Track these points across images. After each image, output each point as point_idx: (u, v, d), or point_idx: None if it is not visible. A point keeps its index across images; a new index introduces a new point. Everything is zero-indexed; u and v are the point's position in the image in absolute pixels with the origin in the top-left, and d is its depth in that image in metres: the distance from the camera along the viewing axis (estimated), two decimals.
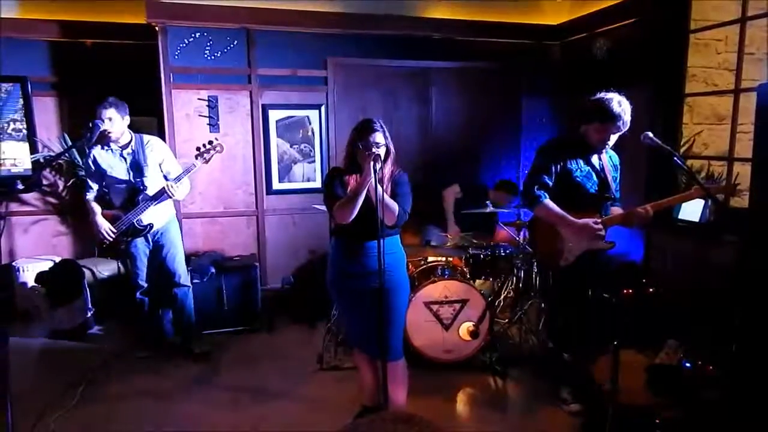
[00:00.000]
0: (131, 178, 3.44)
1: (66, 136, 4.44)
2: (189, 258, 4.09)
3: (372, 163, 2.22)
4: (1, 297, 3.77)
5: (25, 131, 4.21)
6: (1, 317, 2.24)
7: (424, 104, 4.85)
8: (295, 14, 4.30)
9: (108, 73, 4.44)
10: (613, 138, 2.71)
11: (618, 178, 2.90)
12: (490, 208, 4.02)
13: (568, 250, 2.79)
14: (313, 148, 4.62)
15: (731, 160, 3.60)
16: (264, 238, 4.58)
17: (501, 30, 4.78)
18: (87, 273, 4.24)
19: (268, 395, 3.19)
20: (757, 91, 2.87)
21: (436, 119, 4.88)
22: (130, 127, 3.46)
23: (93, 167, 3.43)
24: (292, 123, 4.55)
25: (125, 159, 3.44)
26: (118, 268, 4.50)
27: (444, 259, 3.78)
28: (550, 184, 2.75)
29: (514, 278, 3.99)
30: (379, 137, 2.39)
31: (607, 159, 2.85)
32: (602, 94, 2.68)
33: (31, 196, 4.58)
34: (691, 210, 3.54)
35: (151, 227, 3.49)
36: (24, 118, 4.22)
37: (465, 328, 3.47)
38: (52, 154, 4.39)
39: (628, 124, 2.65)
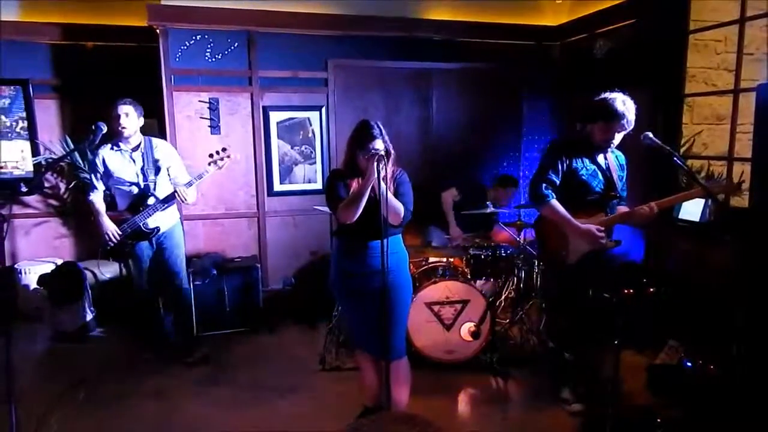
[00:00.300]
0: (139, 181, 3.43)
1: (68, 138, 4.45)
2: (190, 259, 4.10)
3: (375, 162, 2.24)
4: (4, 299, 3.77)
5: None
6: (3, 319, 2.25)
7: (425, 105, 4.86)
8: (296, 16, 4.31)
9: (109, 76, 4.46)
10: (618, 137, 2.73)
11: (624, 178, 2.91)
12: (490, 209, 4.04)
13: (573, 249, 2.81)
14: (314, 150, 4.63)
15: (731, 160, 3.61)
16: (265, 240, 4.59)
17: (501, 31, 4.79)
18: (88, 275, 4.25)
19: (269, 396, 3.20)
20: (757, 91, 2.89)
21: (436, 120, 4.89)
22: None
23: (101, 167, 3.41)
24: (292, 124, 4.56)
25: (134, 161, 3.43)
26: (120, 270, 4.50)
27: (445, 259, 3.79)
28: (557, 182, 2.78)
29: (515, 279, 4.00)
30: (378, 144, 2.39)
31: (614, 158, 2.87)
32: (607, 94, 2.71)
33: (32, 199, 4.60)
34: (692, 210, 3.55)
35: (158, 230, 3.48)
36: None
37: (466, 328, 3.48)
38: (54, 156, 4.41)
39: (633, 124, 2.67)
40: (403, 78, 4.76)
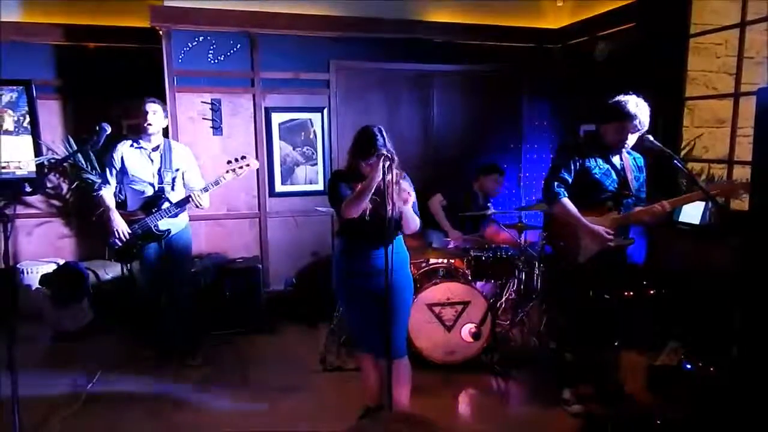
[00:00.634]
0: (155, 181, 3.41)
1: (70, 139, 4.46)
2: (192, 260, 4.11)
3: (382, 162, 2.24)
4: (6, 299, 3.79)
5: None
6: (6, 319, 2.26)
7: (426, 107, 4.88)
8: (298, 18, 4.33)
9: (112, 77, 4.48)
10: (632, 138, 2.76)
11: (642, 179, 2.92)
12: (491, 210, 4.05)
13: (584, 249, 2.84)
14: (316, 151, 4.64)
15: (731, 163, 3.62)
16: (266, 240, 4.60)
17: (502, 33, 4.80)
18: (91, 275, 4.26)
19: (270, 396, 3.20)
20: (757, 95, 2.90)
21: (437, 122, 4.91)
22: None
23: (117, 163, 3.38)
24: (294, 126, 4.58)
25: (152, 160, 3.42)
26: (122, 270, 4.52)
27: (446, 261, 3.81)
28: (570, 180, 2.82)
29: (516, 280, 4.01)
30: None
31: (630, 159, 2.90)
32: (620, 96, 2.75)
33: (35, 199, 4.62)
34: (692, 212, 3.56)
35: (168, 233, 3.46)
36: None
37: (467, 329, 3.49)
38: (57, 156, 4.42)
39: (647, 125, 2.71)
40: (405, 80, 4.78)
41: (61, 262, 4.32)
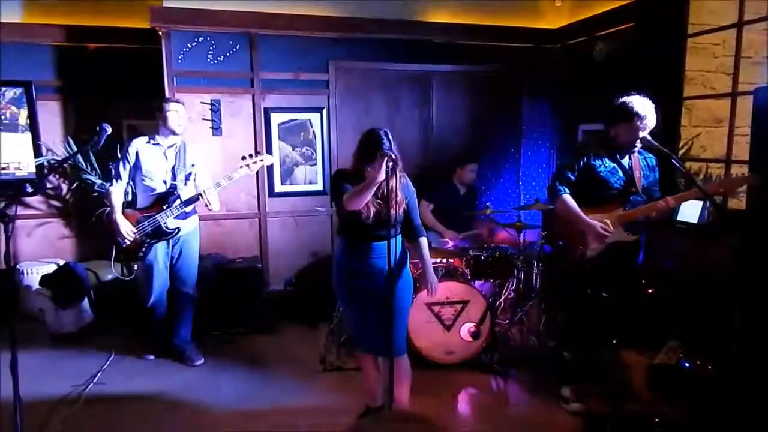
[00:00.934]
0: (168, 179, 3.42)
1: (70, 140, 4.47)
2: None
3: (385, 162, 2.24)
4: (7, 300, 3.79)
5: None
6: (6, 320, 2.27)
7: (426, 107, 4.89)
8: (298, 18, 4.34)
9: (112, 77, 4.49)
10: (645, 136, 2.78)
11: (652, 177, 2.95)
12: (490, 210, 4.06)
13: (590, 245, 2.87)
14: (315, 151, 4.65)
15: (729, 163, 3.63)
16: (266, 241, 4.61)
17: (501, 33, 4.82)
18: (91, 276, 4.27)
19: (271, 396, 3.22)
20: (754, 95, 2.92)
21: (437, 122, 4.92)
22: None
23: (132, 158, 3.39)
24: (294, 126, 4.58)
25: (167, 157, 3.44)
26: (122, 271, 4.52)
27: (445, 260, 3.82)
28: (573, 179, 2.90)
29: (515, 279, 4.03)
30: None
31: (641, 159, 2.93)
32: (625, 97, 2.81)
33: (35, 200, 4.62)
34: (690, 211, 3.57)
35: (178, 231, 3.46)
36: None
37: (466, 328, 3.51)
38: (57, 157, 4.43)
39: (654, 123, 2.75)
40: (404, 80, 4.79)
41: (62, 262, 4.33)
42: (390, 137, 2.45)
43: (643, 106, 2.74)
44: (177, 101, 3.47)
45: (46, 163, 4.41)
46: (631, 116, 2.73)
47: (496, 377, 3.45)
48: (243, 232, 4.57)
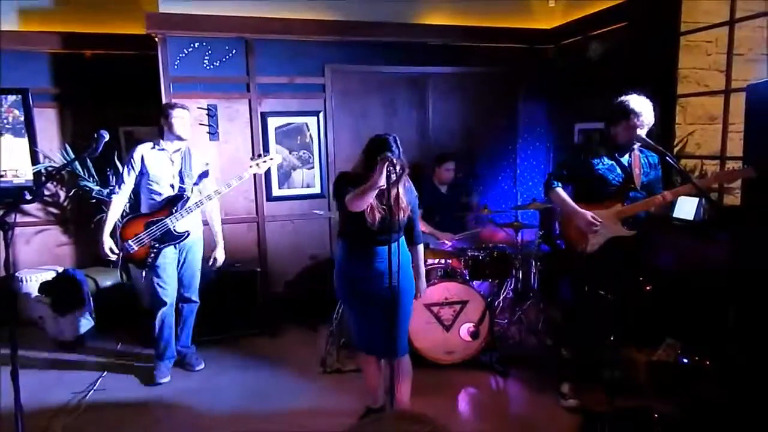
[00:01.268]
0: (175, 182, 3.42)
1: (67, 147, 4.48)
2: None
3: (385, 166, 2.22)
4: (6, 307, 3.79)
5: None
6: (6, 327, 2.27)
7: (422, 109, 4.91)
8: (293, 23, 4.35)
9: (109, 84, 4.50)
10: (641, 134, 2.81)
11: (653, 175, 2.97)
12: (488, 210, 4.08)
13: (591, 241, 2.91)
14: (312, 155, 4.67)
15: (723, 159, 3.66)
16: (265, 244, 4.62)
17: (496, 35, 4.84)
18: (90, 282, 4.27)
19: (271, 399, 3.23)
20: (746, 91, 2.95)
21: (433, 124, 4.94)
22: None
23: (137, 164, 3.38)
24: (290, 130, 4.60)
25: (173, 161, 3.44)
26: (121, 276, 4.53)
27: (443, 261, 3.83)
28: (567, 175, 3.02)
29: (513, 279, 4.04)
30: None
31: (641, 157, 2.97)
32: (622, 96, 2.86)
33: (33, 207, 4.63)
34: (686, 208, 3.60)
35: (188, 235, 3.45)
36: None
37: (465, 328, 3.52)
38: (54, 164, 4.43)
39: (652, 121, 2.80)
40: (400, 82, 4.81)
41: (60, 269, 4.33)
42: (398, 143, 2.47)
43: (639, 104, 2.78)
44: (182, 107, 3.45)
45: (43, 170, 4.42)
46: (628, 114, 2.78)
47: (495, 376, 3.46)
48: (242, 236, 4.57)
